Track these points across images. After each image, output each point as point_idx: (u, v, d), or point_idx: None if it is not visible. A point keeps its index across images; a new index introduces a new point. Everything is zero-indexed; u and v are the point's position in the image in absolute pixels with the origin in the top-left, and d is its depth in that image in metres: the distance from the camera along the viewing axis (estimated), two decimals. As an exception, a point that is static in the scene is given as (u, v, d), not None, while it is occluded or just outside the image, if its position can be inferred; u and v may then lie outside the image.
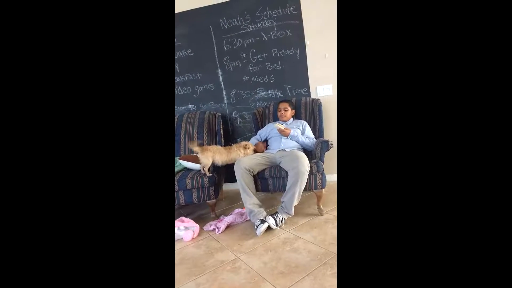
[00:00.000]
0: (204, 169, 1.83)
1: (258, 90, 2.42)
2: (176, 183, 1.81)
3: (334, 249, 1.35)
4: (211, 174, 1.83)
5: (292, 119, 2.10)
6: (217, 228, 1.72)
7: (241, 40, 2.35)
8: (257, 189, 1.81)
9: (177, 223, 1.73)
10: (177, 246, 1.59)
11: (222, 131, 2.23)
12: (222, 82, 2.46)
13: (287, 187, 1.66)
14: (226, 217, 1.82)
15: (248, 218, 1.76)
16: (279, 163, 1.79)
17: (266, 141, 2.10)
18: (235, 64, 2.40)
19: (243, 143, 1.95)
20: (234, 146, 1.93)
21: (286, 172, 1.70)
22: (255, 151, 1.97)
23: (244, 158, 1.81)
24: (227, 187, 2.47)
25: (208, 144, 2.16)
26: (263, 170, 1.80)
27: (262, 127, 2.20)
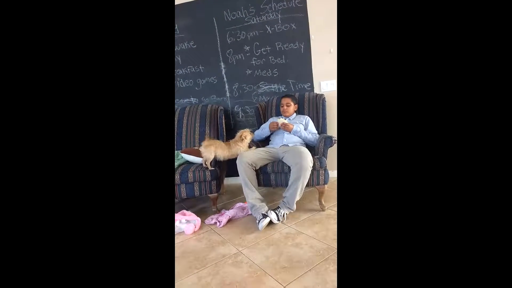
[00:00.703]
0: (206, 162, 1.83)
1: (261, 84, 2.39)
2: (178, 176, 1.80)
3: (336, 244, 1.35)
4: (213, 168, 1.82)
5: (295, 114, 2.08)
6: (219, 221, 1.72)
7: (244, 33, 2.32)
8: (259, 184, 1.80)
9: (179, 216, 1.72)
10: (179, 239, 1.59)
11: (224, 125, 2.21)
12: (224, 76, 2.43)
13: (289, 182, 1.66)
14: (227, 211, 1.82)
15: (249, 213, 1.76)
16: (282, 158, 1.78)
17: (268, 136, 2.08)
18: (238, 57, 2.37)
19: (238, 135, 1.89)
20: (231, 142, 1.90)
21: (289, 167, 1.69)
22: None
23: (247, 152, 1.80)
24: (228, 181, 2.46)
25: (210, 138, 2.15)
26: (266, 164, 1.79)
27: (264, 122, 2.19)
